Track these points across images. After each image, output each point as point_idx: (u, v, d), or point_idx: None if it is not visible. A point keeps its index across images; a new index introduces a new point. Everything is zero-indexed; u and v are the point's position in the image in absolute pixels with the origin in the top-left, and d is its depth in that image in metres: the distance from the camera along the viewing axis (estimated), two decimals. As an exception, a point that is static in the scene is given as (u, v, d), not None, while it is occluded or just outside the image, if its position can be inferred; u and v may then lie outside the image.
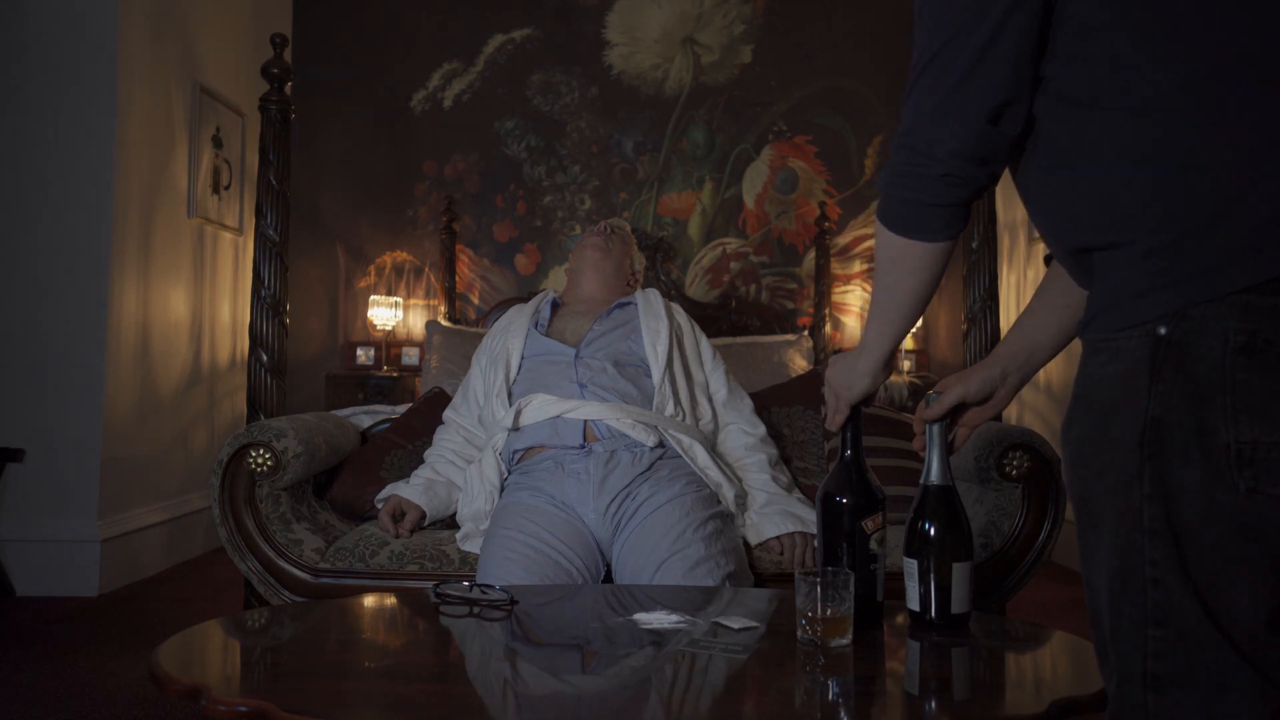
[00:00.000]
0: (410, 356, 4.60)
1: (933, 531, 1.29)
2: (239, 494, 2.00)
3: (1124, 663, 0.89)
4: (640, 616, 1.33)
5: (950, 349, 4.74)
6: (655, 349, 2.12)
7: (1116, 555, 0.89)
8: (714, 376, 2.21)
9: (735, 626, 1.28)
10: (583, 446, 1.95)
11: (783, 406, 2.40)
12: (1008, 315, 4.58)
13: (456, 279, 4.68)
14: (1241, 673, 0.84)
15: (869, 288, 4.77)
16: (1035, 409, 4.34)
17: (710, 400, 2.18)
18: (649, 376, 2.10)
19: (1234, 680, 0.85)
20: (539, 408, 2.00)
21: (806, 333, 4.18)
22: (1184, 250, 0.86)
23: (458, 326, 3.83)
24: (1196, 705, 0.86)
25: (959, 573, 1.28)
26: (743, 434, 2.13)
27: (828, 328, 4.52)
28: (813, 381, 2.52)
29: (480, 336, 3.16)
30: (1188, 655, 0.86)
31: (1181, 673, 0.87)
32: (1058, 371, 4.14)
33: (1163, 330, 0.86)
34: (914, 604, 1.31)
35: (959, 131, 0.93)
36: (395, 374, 4.34)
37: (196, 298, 4.02)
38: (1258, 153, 0.84)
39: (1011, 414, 4.44)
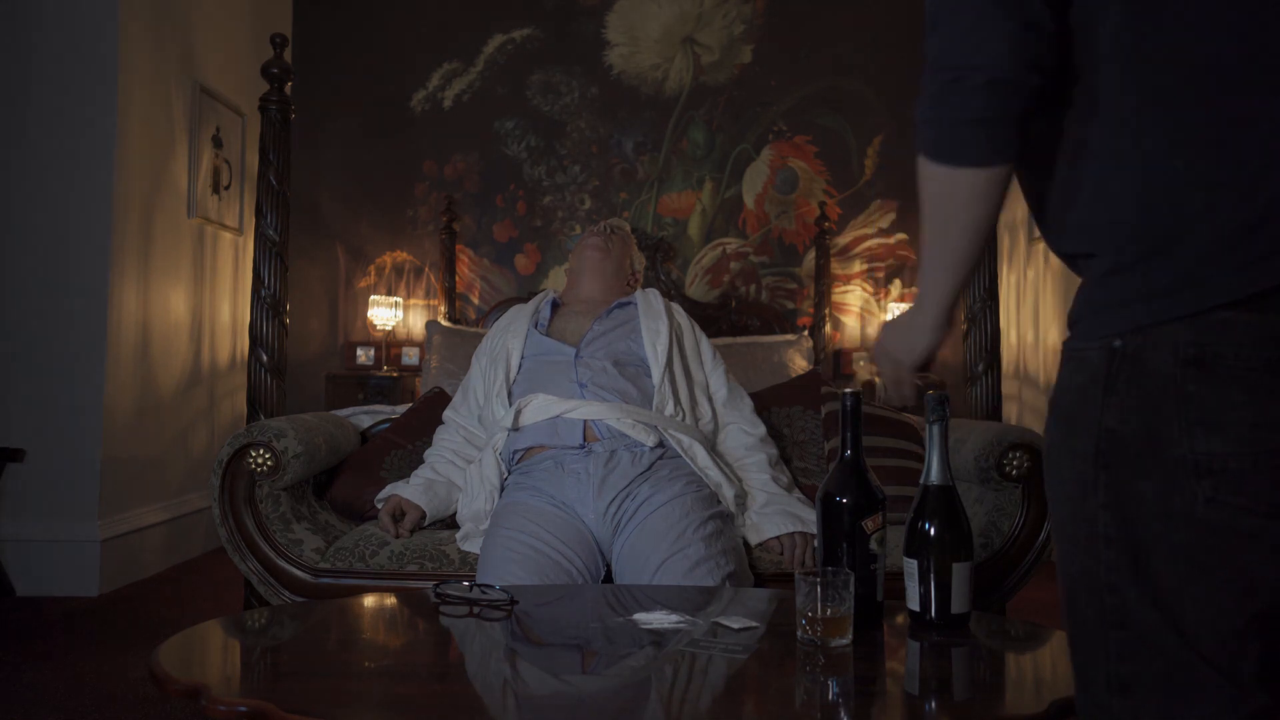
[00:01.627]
0: (410, 356, 4.60)
1: (933, 531, 1.29)
2: (239, 494, 2.00)
3: (1088, 664, 0.91)
4: (640, 616, 1.33)
5: (950, 349, 4.74)
6: (655, 349, 2.12)
7: (1077, 560, 0.92)
8: (714, 376, 2.21)
9: (735, 626, 1.28)
10: (583, 446, 1.94)
11: (783, 406, 2.40)
12: (1008, 315, 4.58)
13: (456, 279, 4.68)
14: (1207, 678, 0.85)
15: (869, 288, 4.78)
16: (1035, 409, 4.34)
17: (710, 400, 2.18)
18: (649, 376, 2.10)
19: (1199, 685, 0.85)
20: (539, 408, 2.00)
21: (806, 333, 4.18)
22: (1140, 271, 0.88)
23: (458, 326, 3.83)
24: (1160, 708, 0.86)
25: (959, 573, 1.28)
26: (743, 434, 2.13)
27: (828, 328, 4.52)
28: (813, 381, 2.52)
29: (480, 336, 3.16)
30: (1149, 659, 0.87)
31: (1145, 675, 0.88)
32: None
33: (1117, 344, 0.89)
34: (914, 604, 1.31)
35: (996, 39, 0.88)
36: (395, 374, 4.34)
37: (196, 298, 4.02)
38: (1211, 182, 0.85)
39: (1011, 414, 4.45)
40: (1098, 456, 0.90)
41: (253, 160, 4.30)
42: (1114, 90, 0.89)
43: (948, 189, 0.97)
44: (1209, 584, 0.86)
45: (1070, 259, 0.97)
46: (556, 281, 4.69)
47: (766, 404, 2.37)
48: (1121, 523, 0.89)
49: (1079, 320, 0.94)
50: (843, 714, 1.04)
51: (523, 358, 2.16)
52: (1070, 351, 0.95)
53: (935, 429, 1.31)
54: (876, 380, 4.19)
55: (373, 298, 4.53)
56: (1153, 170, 0.87)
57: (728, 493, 1.96)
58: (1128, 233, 0.89)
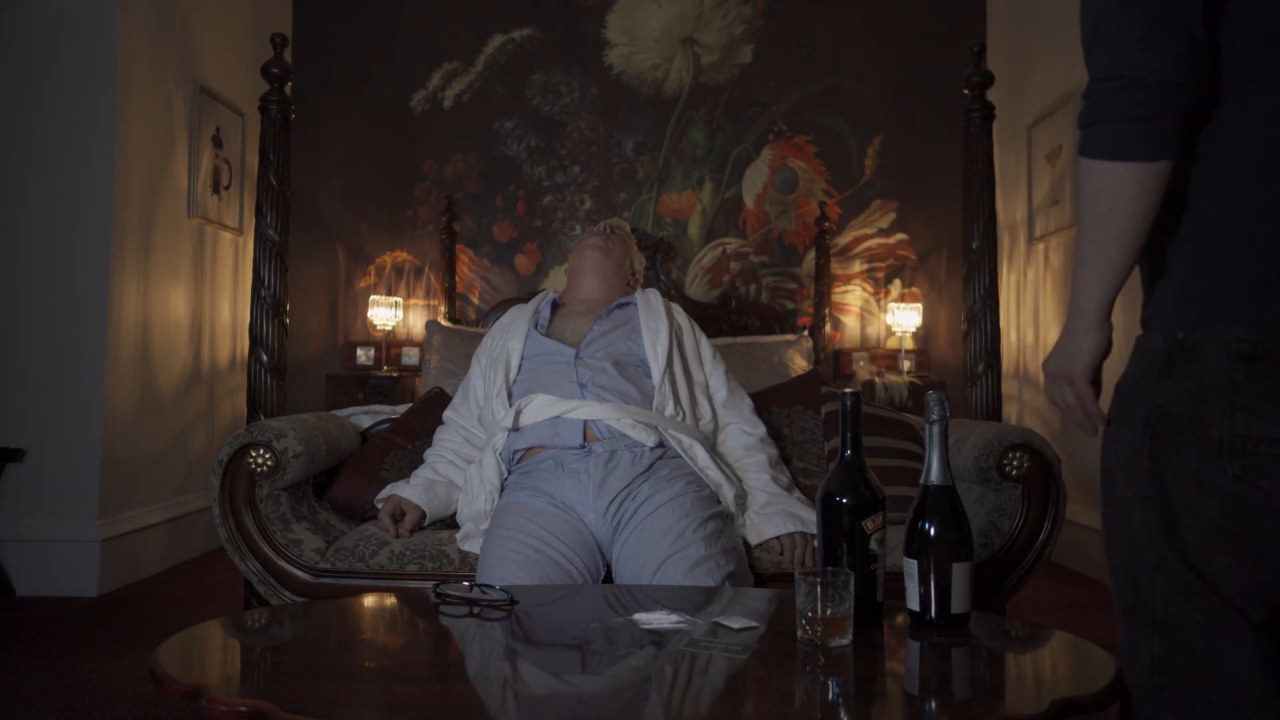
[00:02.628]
0: (410, 356, 4.60)
1: (933, 531, 1.29)
2: (239, 494, 2.00)
3: (1138, 604, 1.06)
4: (640, 616, 1.33)
5: (950, 349, 4.74)
6: (655, 349, 2.12)
7: (1125, 515, 1.08)
8: (714, 376, 2.21)
9: (735, 626, 1.28)
10: (583, 446, 1.94)
11: (783, 406, 2.40)
12: (1008, 315, 4.58)
13: (456, 279, 4.68)
14: (1236, 620, 1.00)
15: (869, 288, 4.78)
16: (1035, 409, 4.34)
17: (710, 400, 2.18)
18: (649, 376, 2.10)
19: (1231, 625, 1.00)
20: (539, 408, 2.00)
21: (806, 333, 4.18)
22: (1205, 281, 1.04)
23: (458, 326, 3.83)
24: (1199, 645, 1.01)
25: (959, 573, 1.28)
26: (743, 434, 2.13)
27: (828, 328, 4.52)
28: (813, 381, 2.52)
29: (480, 336, 3.16)
30: (1189, 604, 1.02)
31: (1187, 618, 1.03)
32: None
33: (1180, 335, 1.04)
34: (914, 604, 1.31)
35: (1165, 49, 1.00)
36: (395, 374, 4.34)
37: (196, 298, 4.02)
38: (1267, 207, 1.02)
39: (1011, 414, 4.45)
40: (1146, 427, 1.06)
41: (253, 160, 4.30)
42: (1211, 123, 1.04)
43: (1114, 185, 1.05)
44: (1226, 548, 1.01)
45: (1145, 257, 1.11)
46: (556, 281, 4.69)
47: (766, 404, 2.37)
48: (1158, 486, 1.04)
49: (1149, 320, 1.10)
50: (843, 714, 1.04)
51: (523, 358, 2.16)
52: (1138, 343, 1.10)
53: (935, 429, 1.31)
54: (876, 381, 4.19)
55: (373, 298, 4.53)
56: (1231, 202, 1.04)
57: (728, 493, 1.96)
58: (1192, 249, 1.05)
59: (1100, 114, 1.04)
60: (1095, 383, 1.15)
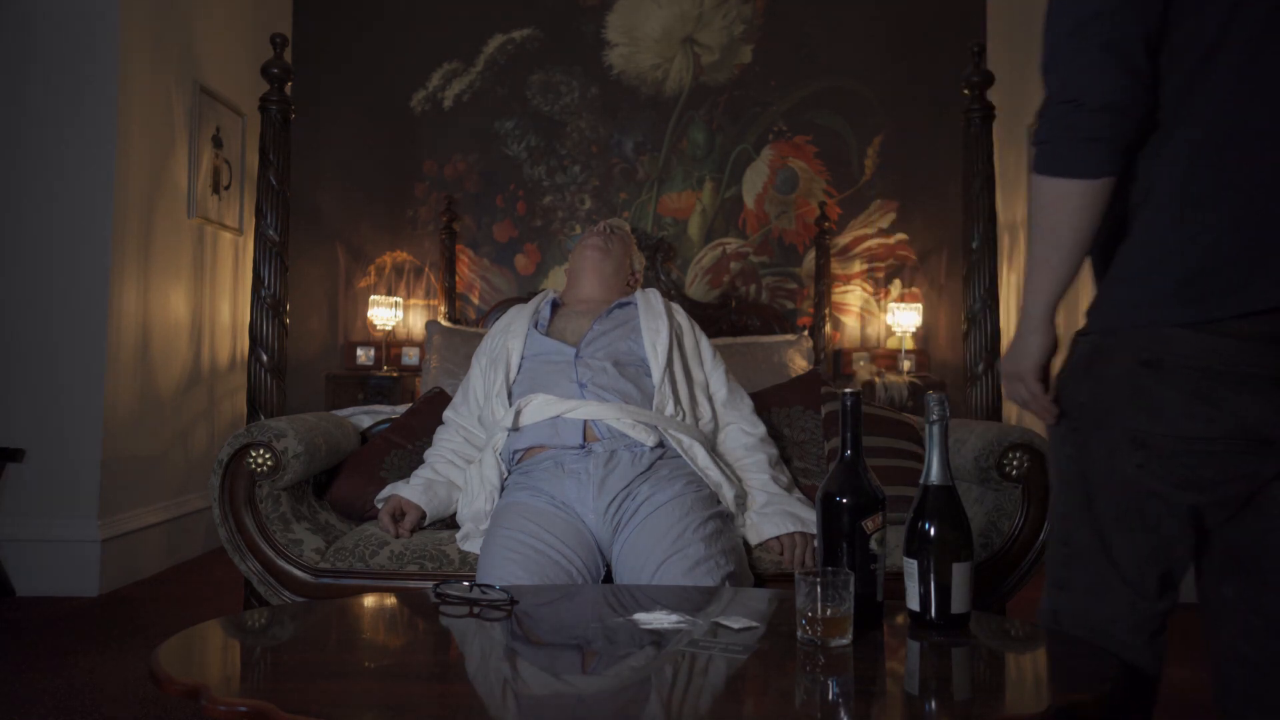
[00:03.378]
0: (410, 356, 4.60)
1: (933, 531, 1.29)
2: (239, 494, 2.00)
3: (1047, 567, 1.31)
4: (640, 616, 1.33)
5: (950, 349, 4.74)
6: (655, 349, 2.12)
7: (1052, 493, 1.32)
8: (714, 376, 2.21)
9: (735, 626, 1.28)
10: (583, 446, 1.94)
11: (783, 406, 2.40)
12: (1007, 315, 4.58)
13: (456, 279, 4.68)
14: (1119, 589, 1.22)
15: (869, 288, 4.78)
16: (1035, 409, 4.33)
17: (710, 400, 2.18)
18: (649, 376, 2.10)
19: (1112, 591, 1.22)
20: (539, 408, 2.00)
21: (806, 333, 4.18)
22: (1121, 291, 1.20)
23: (458, 326, 3.82)
24: (1083, 603, 1.25)
25: (959, 573, 1.28)
26: (742, 434, 2.13)
27: (828, 328, 4.52)
28: (813, 381, 2.52)
29: (480, 336, 3.16)
30: (1081, 570, 1.25)
31: (1076, 579, 1.26)
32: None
33: (1097, 339, 1.22)
34: (914, 604, 1.31)
35: (1110, 76, 1.12)
36: (395, 374, 4.34)
37: (196, 298, 4.02)
38: (1180, 228, 1.15)
39: (1012, 414, 4.44)
40: (1070, 419, 1.25)
41: (253, 160, 4.30)
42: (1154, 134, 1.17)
43: (1062, 198, 1.18)
44: (1127, 524, 1.21)
45: (1098, 264, 1.26)
46: (556, 281, 4.69)
47: (766, 404, 2.37)
48: (1080, 471, 1.24)
49: (1086, 316, 1.25)
50: (843, 714, 1.04)
51: (522, 358, 2.16)
52: (1073, 341, 1.26)
53: (935, 429, 1.31)
54: (876, 381, 4.19)
55: (373, 298, 4.53)
56: (1152, 222, 1.18)
57: (728, 493, 1.96)
58: (1121, 255, 1.20)
59: (1049, 134, 1.16)
60: (1045, 379, 1.29)
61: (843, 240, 4.76)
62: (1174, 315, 1.14)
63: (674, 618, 1.31)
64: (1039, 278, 1.23)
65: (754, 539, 1.95)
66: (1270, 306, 1.11)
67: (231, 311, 4.35)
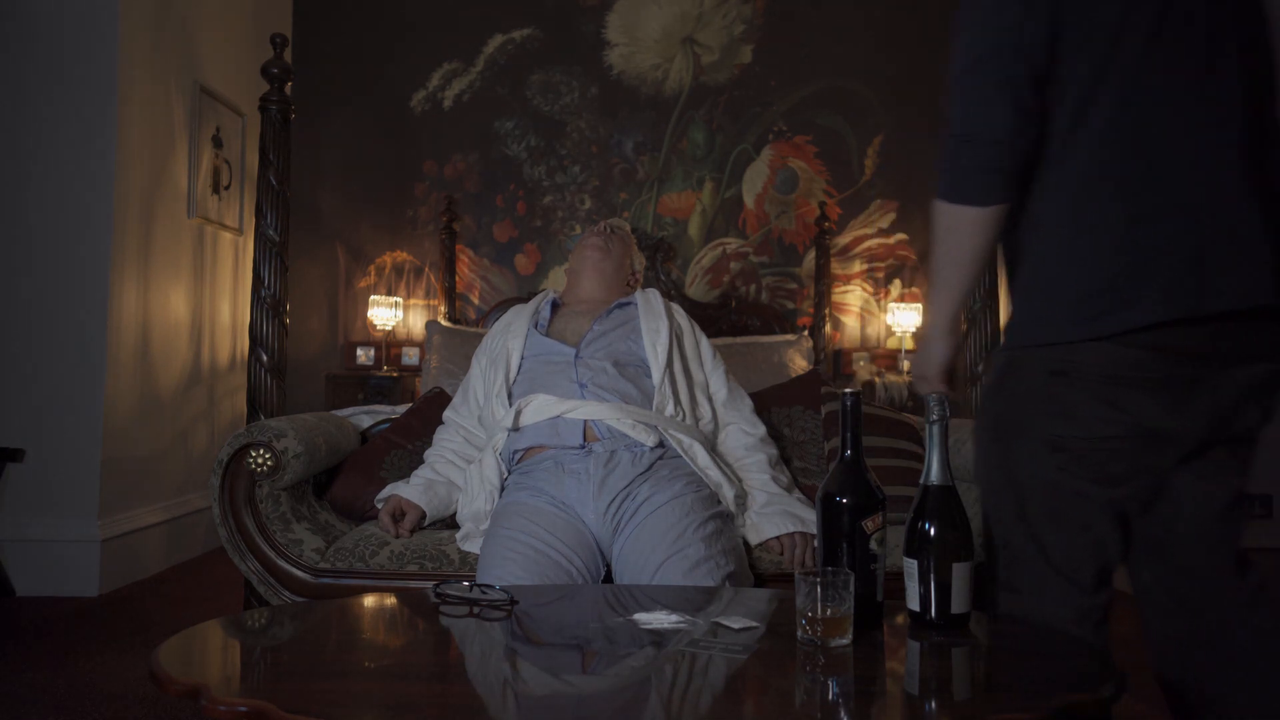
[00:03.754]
0: (410, 356, 4.60)
1: (933, 531, 1.29)
2: (239, 494, 2.00)
3: (995, 571, 1.39)
4: (640, 616, 1.33)
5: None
6: (655, 349, 2.12)
7: (988, 501, 1.41)
8: (714, 376, 2.21)
9: (735, 626, 1.28)
10: (583, 446, 1.94)
11: (783, 406, 2.40)
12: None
13: (456, 279, 4.68)
14: (1058, 584, 1.32)
15: (869, 288, 4.78)
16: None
17: (710, 400, 2.18)
18: (649, 376, 2.10)
19: (1052, 588, 1.32)
20: (539, 408, 2.00)
21: (806, 333, 4.18)
22: (1027, 309, 1.32)
23: (458, 326, 3.83)
24: (1030, 603, 1.34)
25: (959, 573, 1.28)
26: (742, 434, 2.13)
27: (828, 328, 4.52)
28: (813, 381, 2.52)
29: (480, 336, 3.16)
30: (1023, 570, 1.35)
31: (1019, 580, 1.36)
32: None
33: (1007, 354, 1.34)
34: (914, 604, 1.31)
35: (1000, 114, 1.24)
36: (395, 374, 4.34)
37: (196, 298, 4.02)
38: (1072, 253, 1.28)
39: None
40: (993, 430, 1.37)
41: (253, 160, 4.30)
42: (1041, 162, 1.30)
43: (959, 223, 1.32)
44: (1058, 525, 1.32)
45: (1010, 284, 1.38)
46: (556, 281, 4.69)
47: (766, 404, 2.37)
48: (1007, 479, 1.35)
49: (1004, 334, 1.37)
50: (843, 714, 1.04)
51: (523, 358, 2.16)
52: (991, 358, 1.39)
53: (935, 429, 1.31)
54: (876, 381, 4.19)
55: (373, 298, 4.53)
56: (1048, 246, 1.30)
57: (728, 493, 1.96)
58: (1023, 275, 1.33)
59: (949, 165, 1.28)
60: (949, 380, 1.45)
61: (843, 240, 4.76)
62: (1075, 331, 1.26)
63: (674, 618, 1.31)
64: (943, 293, 1.37)
65: (754, 539, 1.95)
66: (1151, 323, 1.23)
67: (231, 311, 4.35)
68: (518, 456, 2.02)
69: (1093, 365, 1.26)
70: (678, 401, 2.08)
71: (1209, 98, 1.26)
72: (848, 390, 1.34)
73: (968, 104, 1.26)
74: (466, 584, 1.45)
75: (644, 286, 2.43)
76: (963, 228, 1.32)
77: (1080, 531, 1.31)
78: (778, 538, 1.94)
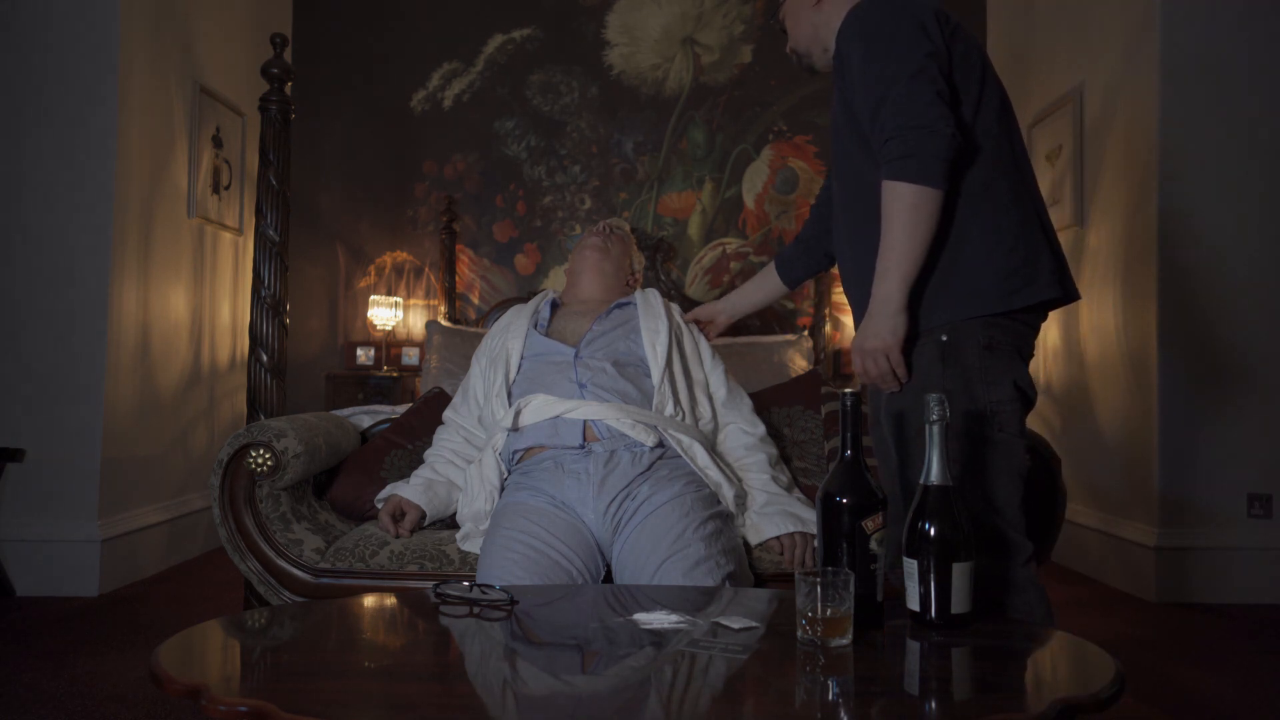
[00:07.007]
0: (410, 356, 4.60)
1: (933, 531, 1.29)
2: (239, 494, 2.00)
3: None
4: (640, 616, 1.33)
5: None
6: (655, 349, 2.12)
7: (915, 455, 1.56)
8: (713, 376, 2.21)
9: (735, 626, 1.28)
10: (582, 446, 1.94)
11: (783, 406, 2.40)
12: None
13: (456, 279, 4.68)
14: (1011, 537, 1.53)
15: (869, 288, 4.77)
16: (1035, 410, 4.33)
17: (710, 400, 2.18)
18: (648, 376, 2.10)
19: (1007, 541, 1.52)
20: (539, 408, 2.00)
21: (806, 333, 4.18)
22: (954, 289, 1.55)
23: (458, 326, 3.83)
24: (989, 560, 1.50)
25: (959, 573, 1.28)
26: (742, 434, 2.13)
27: (828, 328, 4.52)
28: (813, 381, 2.52)
29: (480, 336, 3.16)
30: (979, 526, 1.48)
31: (979, 537, 1.44)
32: (1058, 373, 4.13)
33: (944, 337, 1.55)
34: (914, 604, 1.31)
35: (946, 114, 1.49)
36: (395, 374, 4.34)
37: (196, 298, 4.02)
38: (992, 239, 1.55)
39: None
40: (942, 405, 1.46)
41: (253, 160, 4.30)
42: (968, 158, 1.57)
43: (921, 203, 1.49)
44: (1003, 478, 1.53)
45: (929, 270, 1.56)
46: (556, 281, 4.69)
47: (766, 404, 2.37)
48: (964, 446, 1.52)
49: (923, 314, 1.56)
50: (843, 714, 1.04)
51: (522, 358, 2.16)
52: (919, 342, 1.56)
53: (935, 429, 1.31)
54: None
55: (373, 298, 4.53)
56: (964, 229, 1.55)
57: (727, 493, 1.96)
58: (945, 263, 1.55)
59: (915, 150, 1.46)
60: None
61: (843, 240, 4.75)
62: (994, 307, 1.53)
63: (674, 618, 1.31)
64: (905, 267, 1.51)
65: (754, 539, 1.95)
66: (1036, 302, 1.55)
67: (231, 311, 4.35)
68: (517, 456, 2.02)
69: (1008, 336, 1.55)
70: (677, 401, 2.08)
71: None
72: (848, 390, 1.34)
73: (916, 104, 1.47)
74: (466, 584, 1.45)
75: (644, 286, 2.43)
76: (924, 207, 1.48)
77: (1017, 481, 1.55)
78: (778, 538, 1.94)
